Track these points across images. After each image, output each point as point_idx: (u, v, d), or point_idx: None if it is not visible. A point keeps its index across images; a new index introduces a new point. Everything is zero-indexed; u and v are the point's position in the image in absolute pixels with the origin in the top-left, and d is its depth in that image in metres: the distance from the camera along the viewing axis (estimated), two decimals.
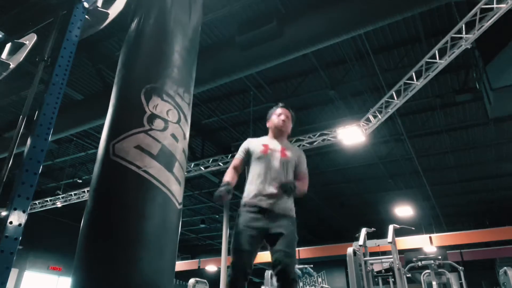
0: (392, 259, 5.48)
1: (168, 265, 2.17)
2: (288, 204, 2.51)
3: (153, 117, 2.36)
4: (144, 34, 2.73)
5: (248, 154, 2.70)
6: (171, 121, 2.45)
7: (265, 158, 2.60)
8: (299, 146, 8.20)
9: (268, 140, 2.76)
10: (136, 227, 2.08)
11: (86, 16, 2.47)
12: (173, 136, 2.42)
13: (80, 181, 11.88)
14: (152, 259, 2.05)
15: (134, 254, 2.00)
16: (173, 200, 2.29)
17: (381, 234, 7.57)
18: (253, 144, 2.73)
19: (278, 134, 2.78)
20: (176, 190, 2.33)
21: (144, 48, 2.67)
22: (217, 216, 16.03)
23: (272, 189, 2.46)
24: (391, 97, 6.80)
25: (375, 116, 7.28)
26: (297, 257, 15.61)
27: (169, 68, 2.62)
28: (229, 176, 2.63)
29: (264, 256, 16.25)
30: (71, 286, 2.00)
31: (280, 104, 2.96)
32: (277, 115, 2.83)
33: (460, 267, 7.61)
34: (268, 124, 2.89)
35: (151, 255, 2.05)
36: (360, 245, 5.81)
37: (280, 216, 2.44)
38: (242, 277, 2.28)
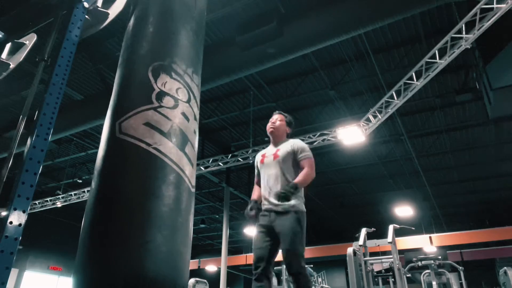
0: (392, 259, 5.48)
1: (182, 248, 2.04)
2: (290, 202, 2.55)
3: (162, 94, 2.23)
4: (149, 15, 2.60)
5: (257, 168, 2.92)
6: (181, 99, 2.31)
7: (263, 167, 2.80)
8: None
9: (267, 149, 2.93)
10: (147, 207, 1.93)
11: (86, 16, 2.47)
12: (184, 115, 2.29)
13: (80, 181, 11.88)
14: (165, 241, 1.92)
15: (146, 236, 1.87)
16: (187, 181, 2.16)
17: (381, 234, 7.59)
18: (257, 157, 2.95)
19: (273, 139, 2.91)
20: (189, 171, 2.20)
21: (150, 27, 2.53)
22: (217, 216, 16.03)
23: (272, 197, 2.62)
24: (391, 97, 6.80)
25: (375, 116, 7.28)
26: None
27: (177, 46, 2.49)
28: (254, 193, 2.86)
29: None
30: (75, 268, 1.91)
31: (275, 111, 3.09)
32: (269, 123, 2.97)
33: (460, 267, 7.61)
34: None
35: (163, 237, 1.92)
36: (360, 245, 5.81)
37: (281, 214, 2.54)
38: (260, 273, 2.47)
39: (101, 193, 2.02)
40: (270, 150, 2.87)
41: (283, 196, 2.40)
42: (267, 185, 2.70)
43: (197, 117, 2.50)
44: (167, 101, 2.23)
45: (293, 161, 2.71)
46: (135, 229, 1.87)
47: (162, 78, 2.28)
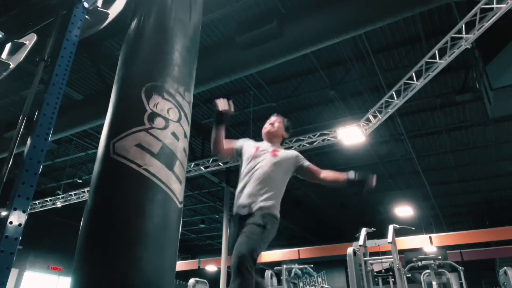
0: (392, 259, 5.47)
1: (169, 264, 2.16)
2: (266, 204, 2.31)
3: (153, 115, 2.35)
4: (145, 33, 2.71)
5: (239, 153, 2.66)
6: (172, 119, 2.43)
7: (254, 158, 2.51)
8: (299, 146, 8.20)
9: (261, 143, 2.68)
10: (136, 226, 2.06)
11: (86, 16, 2.47)
12: (174, 134, 2.41)
13: (80, 181, 11.88)
14: (153, 258, 2.04)
15: (135, 253, 1.99)
16: (174, 199, 2.29)
17: (381, 234, 7.58)
18: (247, 144, 2.67)
19: (268, 140, 2.68)
20: (176, 188, 2.32)
21: (145, 47, 2.66)
22: (217, 216, 16.03)
23: (245, 198, 2.36)
24: (391, 97, 6.80)
25: (375, 116, 7.28)
26: (297, 257, 15.53)
27: (169, 66, 2.60)
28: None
29: (264, 256, 16.26)
30: (70, 286, 1.99)
31: (274, 114, 2.89)
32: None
33: (460, 267, 7.61)
34: None
35: (152, 254, 2.04)
36: (360, 245, 5.81)
37: (247, 217, 2.26)
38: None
39: (94, 211, 2.17)
40: (265, 145, 2.60)
41: (364, 177, 2.28)
42: (247, 180, 2.39)
43: (188, 134, 2.61)
44: (158, 122, 2.35)
45: (286, 170, 2.48)
46: (125, 247, 2.00)
47: (154, 99, 2.40)
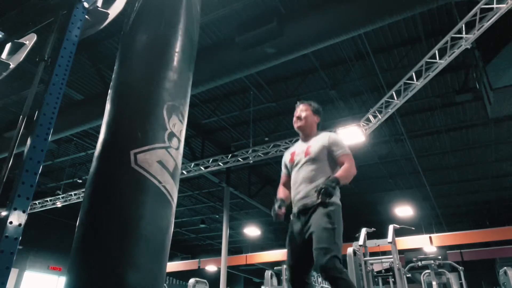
0: (392, 259, 5.47)
1: (164, 269, 2.27)
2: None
3: (172, 135, 2.45)
4: (174, 49, 2.75)
5: (286, 167, 2.69)
6: (181, 140, 2.57)
7: (293, 166, 2.55)
8: None
9: (296, 145, 2.69)
10: (158, 240, 2.17)
11: (86, 16, 2.47)
12: (180, 156, 2.57)
13: (80, 181, 11.88)
14: (155, 263, 2.16)
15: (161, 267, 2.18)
16: (174, 208, 2.44)
17: (381, 234, 7.58)
18: (285, 155, 2.73)
19: (302, 134, 2.67)
20: (176, 199, 2.50)
21: (173, 66, 2.68)
22: (217, 216, 16.03)
23: (303, 200, 2.40)
24: (391, 97, 6.80)
25: (375, 116, 7.28)
26: None
27: (185, 89, 2.72)
28: (280, 193, 2.64)
29: (264, 257, 16.26)
30: (65, 285, 1.98)
31: (297, 103, 2.81)
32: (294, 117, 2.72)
33: (460, 267, 7.61)
34: None
35: (151, 258, 2.17)
36: (360, 245, 5.80)
37: (312, 211, 2.32)
38: (299, 283, 2.33)
39: (100, 215, 2.14)
40: (299, 146, 2.60)
41: (323, 192, 2.12)
42: (298, 187, 2.44)
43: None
44: (174, 142, 2.46)
45: (328, 157, 2.44)
46: (147, 257, 2.10)
47: (173, 119, 2.50)
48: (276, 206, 2.44)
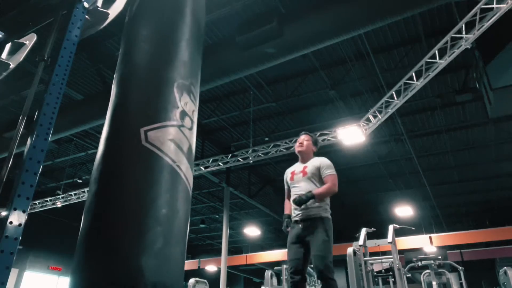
0: (392, 259, 5.47)
1: (183, 254, 2.14)
2: (315, 210, 2.95)
3: (184, 114, 2.32)
4: (183, 34, 2.67)
5: (287, 184, 3.28)
6: (194, 121, 2.43)
7: (293, 183, 3.17)
8: None
9: (295, 166, 3.31)
10: (173, 221, 2.02)
11: (86, 16, 2.47)
12: (194, 136, 2.45)
13: (80, 181, 11.88)
14: (173, 247, 2.03)
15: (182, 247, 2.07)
16: (190, 192, 2.31)
17: (381, 234, 7.58)
18: (286, 174, 3.34)
19: (301, 157, 3.32)
20: (192, 182, 2.40)
21: (182, 46, 2.59)
22: (217, 216, 16.04)
23: (301, 206, 3.01)
24: (391, 97, 6.80)
25: (375, 116, 7.28)
26: None
27: (196, 70, 2.65)
28: (286, 208, 3.21)
29: (264, 256, 16.26)
30: (69, 286, 1.94)
31: (302, 132, 3.52)
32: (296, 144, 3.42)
33: (460, 267, 7.61)
34: None
35: (175, 246, 2.04)
36: (360, 245, 5.80)
37: (308, 221, 2.93)
38: (299, 280, 2.89)
39: (122, 200, 1.97)
40: (298, 167, 3.24)
41: (297, 201, 2.86)
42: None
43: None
44: (187, 122, 2.34)
45: (320, 176, 3.07)
46: (167, 243, 1.97)
47: (184, 98, 2.37)
48: (284, 225, 3.07)
